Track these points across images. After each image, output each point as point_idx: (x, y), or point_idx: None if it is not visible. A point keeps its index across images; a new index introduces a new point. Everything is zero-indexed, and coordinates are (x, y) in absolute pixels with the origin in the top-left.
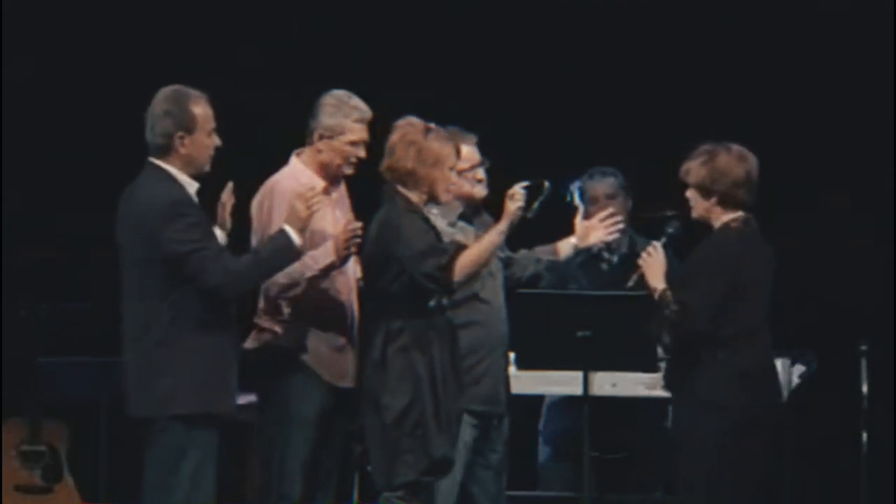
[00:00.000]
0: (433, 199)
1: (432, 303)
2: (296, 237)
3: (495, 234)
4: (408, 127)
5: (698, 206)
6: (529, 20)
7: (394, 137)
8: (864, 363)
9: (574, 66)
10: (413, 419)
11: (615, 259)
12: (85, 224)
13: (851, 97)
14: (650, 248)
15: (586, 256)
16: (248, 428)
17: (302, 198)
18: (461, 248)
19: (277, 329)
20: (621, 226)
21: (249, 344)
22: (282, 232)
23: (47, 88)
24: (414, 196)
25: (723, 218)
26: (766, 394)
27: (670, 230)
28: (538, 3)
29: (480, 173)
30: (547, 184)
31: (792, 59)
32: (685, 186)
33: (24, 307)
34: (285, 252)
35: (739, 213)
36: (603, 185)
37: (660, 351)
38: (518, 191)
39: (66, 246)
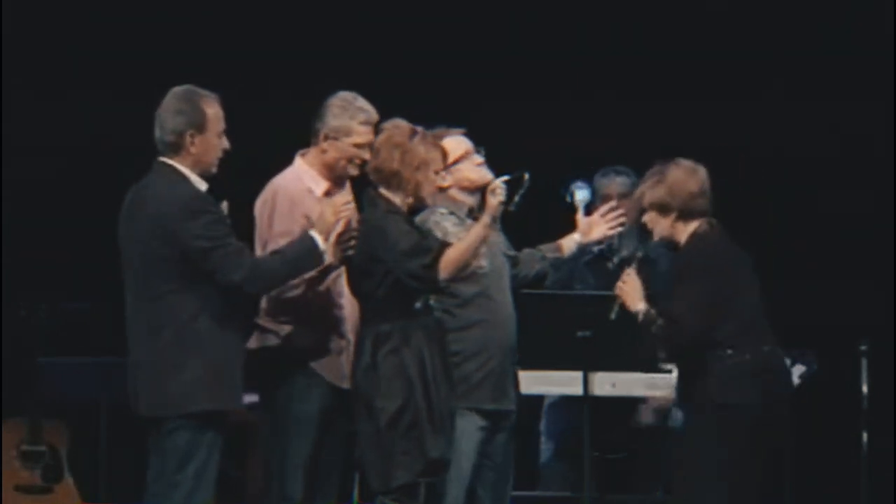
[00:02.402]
0: (419, 201)
1: (419, 303)
2: (321, 242)
3: (478, 229)
4: (393, 129)
5: (659, 226)
6: (530, 23)
7: (379, 139)
8: (864, 363)
9: (576, 66)
10: (407, 421)
11: (628, 254)
12: (85, 224)
13: (851, 98)
14: (624, 276)
15: (594, 255)
16: (248, 428)
17: (331, 204)
18: (445, 245)
19: (279, 330)
20: (623, 220)
21: (251, 344)
22: (308, 236)
23: (48, 88)
24: (397, 198)
25: (687, 230)
26: (776, 385)
27: (639, 254)
28: (540, 6)
29: (478, 158)
30: (527, 176)
31: (793, 61)
32: (642, 212)
33: (24, 307)
34: (309, 255)
35: (702, 221)
36: (616, 183)
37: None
38: (499, 185)
39: (66, 246)
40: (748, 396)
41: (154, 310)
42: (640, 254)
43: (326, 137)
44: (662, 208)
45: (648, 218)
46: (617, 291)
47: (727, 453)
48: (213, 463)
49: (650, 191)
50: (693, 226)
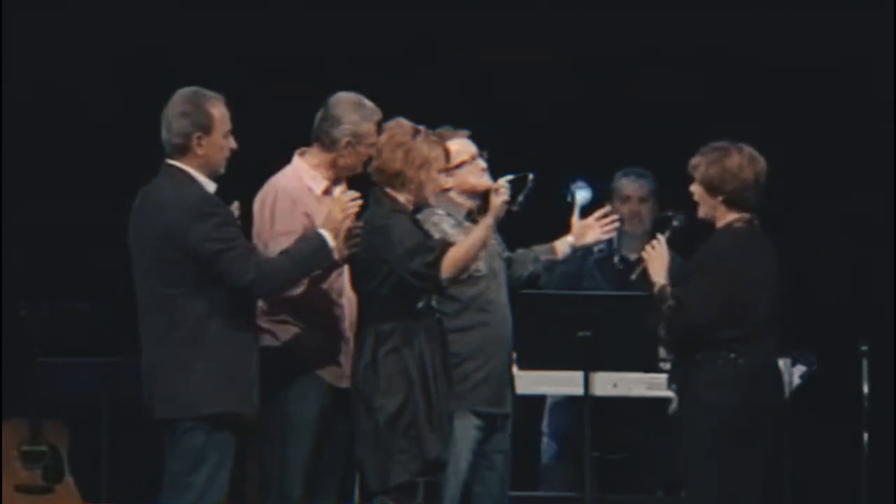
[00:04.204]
0: (421, 200)
1: (421, 303)
2: (331, 240)
3: (482, 229)
4: (396, 128)
5: (704, 203)
6: (532, 29)
7: (382, 139)
8: (864, 363)
9: (582, 67)
10: (406, 420)
11: (632, 258)
12: (86, 223)
13: (852, 99)
14: (654, 242)
15: (602, 255)
16: (248, 428)
17: (338, 202)
18: (448, 245)
19: (278, 330)
20: (617, 224)
21: None
22: (317, 234)
23: (50, 88)
24: (401, 197)
25: (727, 218)
26: (762, 395)
27: (675, 223)
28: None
29: (482, 163)
30: (531, 176)
31: (793, 63)
32: (691, 180)
33: (24, 307)
34: (319, 254)
35: (744, 214)
36: (637, 185)
37: (661, 351)
38: (503, 184)
39: (66, 246)
40: (726, 400)
41: (165, 312)
42: (676, 222)
43: (348, 144)
44: (712, 189)
45: (696, 191)
46: (643, 255)
47: (702, 450)
48: (226, 465)
49: (705, 167)
50: (733, 216)
